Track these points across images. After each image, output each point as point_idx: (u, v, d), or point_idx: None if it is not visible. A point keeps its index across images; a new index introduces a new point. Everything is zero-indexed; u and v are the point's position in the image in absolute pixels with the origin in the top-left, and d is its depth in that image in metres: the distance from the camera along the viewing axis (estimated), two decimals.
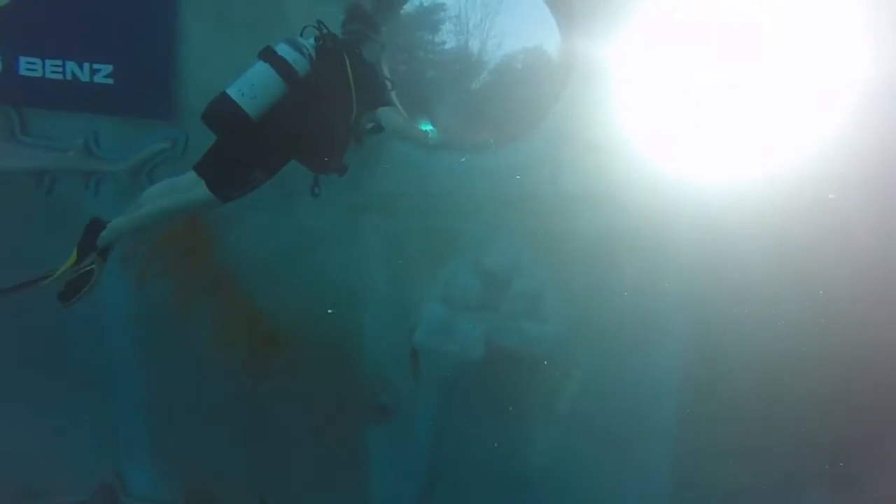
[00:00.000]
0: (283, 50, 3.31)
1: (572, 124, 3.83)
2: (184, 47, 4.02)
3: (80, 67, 4.09)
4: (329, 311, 4.08)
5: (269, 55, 3.29)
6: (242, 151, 3.34)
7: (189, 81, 4.06)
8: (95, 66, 4.08)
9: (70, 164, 4.16)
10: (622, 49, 3.69)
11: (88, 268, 3.45)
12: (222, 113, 3.22)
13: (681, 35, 3.62)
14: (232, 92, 3.21)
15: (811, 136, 3.61)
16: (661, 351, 3.92)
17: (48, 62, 4.05)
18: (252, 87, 3.21)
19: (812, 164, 3.58)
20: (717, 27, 3.66)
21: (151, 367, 4.35)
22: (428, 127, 3.46)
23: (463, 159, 3.91)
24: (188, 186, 3.43)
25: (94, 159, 4.17)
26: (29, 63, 4.03)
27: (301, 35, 3.51)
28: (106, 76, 4.09)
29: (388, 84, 4.04)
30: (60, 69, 4.09)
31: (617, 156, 3.77)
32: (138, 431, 4.55)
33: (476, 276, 4.01)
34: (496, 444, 4.06)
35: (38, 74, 4.03)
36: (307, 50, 3.37)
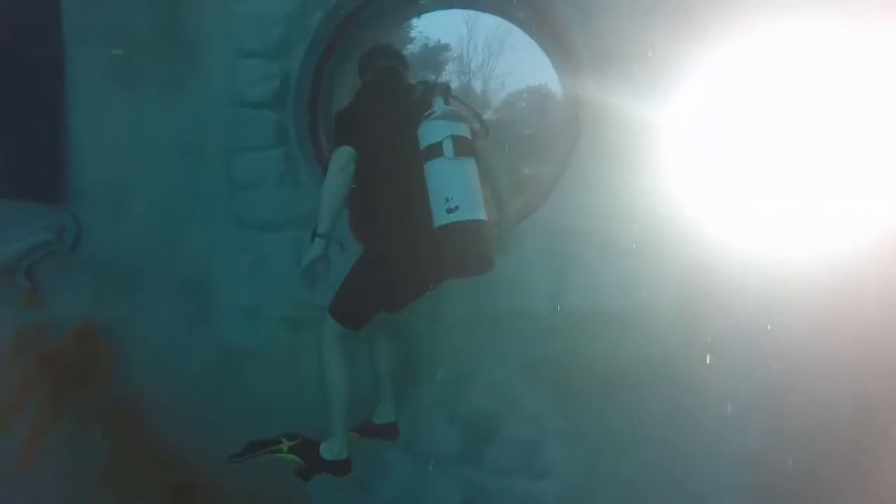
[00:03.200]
0: (460, 129, 2.27)
1: (578, 217, 2.73)
2: (75, 111, 2.99)
3: None
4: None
5: (466, 147, 2.25)
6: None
7: (83, 153, 3.02)
8: None
9: None
10: (648, 108, 2.61)
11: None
12: (489, 246, 2.23)
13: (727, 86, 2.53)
14: (474, 213, 2.17)
15: None
16: None
17: None
18: (474, 190, 2.22)
19: None
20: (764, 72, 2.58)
21: None
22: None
23: None
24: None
25: None
26: None
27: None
28: None
29: None
30: None
31: (639, 261, 2.68)
32: None
33: (452, 418, 2.87)
34: None
35: None
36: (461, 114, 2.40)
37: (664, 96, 2.54)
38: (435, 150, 2.19)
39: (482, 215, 2.17)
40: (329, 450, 2.49)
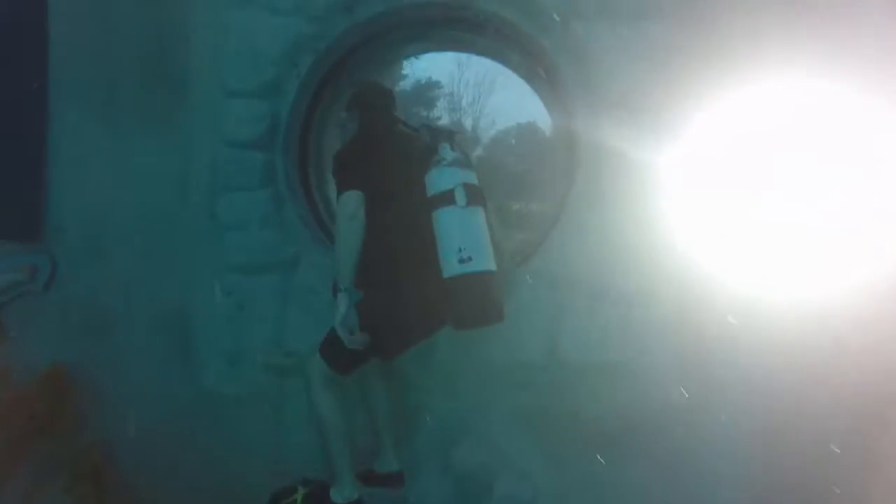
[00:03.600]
0: (470, 177, 2.24)
1: (574, 264, 2.63)
2: (56, 144, 2.88)
3: None
4: None
5: (477, 195, 2.21)
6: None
7: (62, 188, 2.89)
8: None
9: None
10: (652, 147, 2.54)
11: None
12: (500, 297, 2.26)
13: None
14: (486, 264, 2.15)
15: None
16: None
17: None
18: (485, 239, 2.19)
19: None
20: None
21: None
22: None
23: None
24: None
25: None
26: None
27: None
28: None
29: None
30: None
31: (637, 309, 2.58)
32: None
33: (445, 473, 2.70)
34: None
35: None
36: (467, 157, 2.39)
37: (662, 142, 2.49)
38: (446, 198, 2.14)
39: (494, 266, 2.14)
40: (339, 493, 2.38)
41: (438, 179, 2.18)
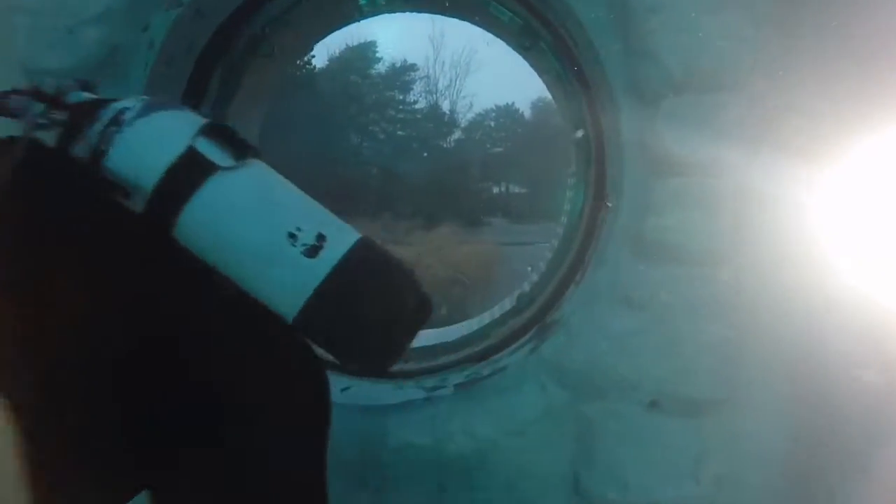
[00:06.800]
0: (197, 117, 1.02)
1: (609, 352, 1.61)
2: None
3: None
4: None
5: (241, 140, 1.03)
6: None
7: None
8: None
9: None
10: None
11: None
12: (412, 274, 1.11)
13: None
14: (349, 233, 1.01)
15: None
16: None
17: None
18: (311, 199, 1.12)
19: None
20: None
21: None
22: None
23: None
24: None
25: None
26: None
27: None
28: None
29: None
30: None
31: (709, 425, 1.58)
32: None
33: None
34: None
35: None
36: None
37: (761, 156, 1.48)
38: (190, 172, 0.94)
39: (356, 231, 1.02)
40: None
41: (144, 150, 0.95)
